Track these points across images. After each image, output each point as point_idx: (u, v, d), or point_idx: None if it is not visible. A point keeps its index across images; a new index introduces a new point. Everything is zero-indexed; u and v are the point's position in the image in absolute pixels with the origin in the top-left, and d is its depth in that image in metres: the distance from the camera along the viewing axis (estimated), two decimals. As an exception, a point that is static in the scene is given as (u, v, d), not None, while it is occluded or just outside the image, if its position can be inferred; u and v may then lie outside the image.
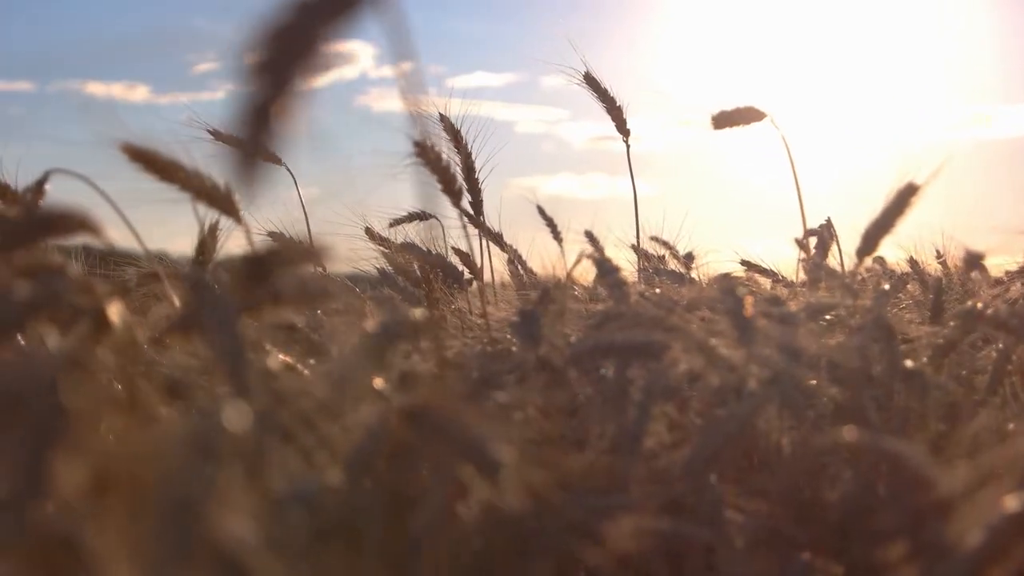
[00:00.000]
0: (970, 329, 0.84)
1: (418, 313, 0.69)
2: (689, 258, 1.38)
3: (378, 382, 0.66)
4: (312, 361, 0.72)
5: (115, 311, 0.56)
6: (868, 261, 1.28)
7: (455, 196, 0.97)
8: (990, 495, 0.54)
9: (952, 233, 1.31)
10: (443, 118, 1.10)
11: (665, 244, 1.42)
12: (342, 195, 1.16)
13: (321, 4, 0.40)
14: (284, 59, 0.39)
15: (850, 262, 0.86)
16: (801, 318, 0.78)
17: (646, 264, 1.25)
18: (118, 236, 0.76)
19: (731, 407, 0.70)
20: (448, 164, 0.96)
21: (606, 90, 1.13)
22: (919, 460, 0.61)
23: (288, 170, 1.22)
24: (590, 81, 1.13)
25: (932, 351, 0.86)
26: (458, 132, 1.10)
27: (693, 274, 1.24)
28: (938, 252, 1.29)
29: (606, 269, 0.82)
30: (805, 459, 0.73)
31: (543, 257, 1.66)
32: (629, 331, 0.73)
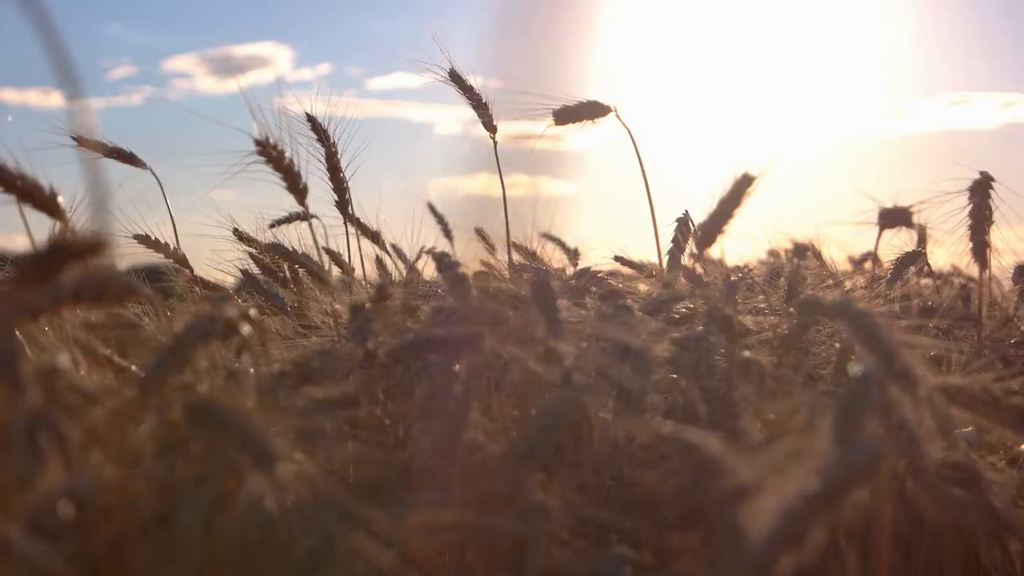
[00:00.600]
0: (811, 320, 0.84)
1: (240, 312, 0.69)
2: (575, 254, 1.39)
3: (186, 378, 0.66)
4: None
5: None
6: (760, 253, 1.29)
7: (299, 194, 0.97)
8: (785, 481, 0.54)
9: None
10: (309, 117, 1.10)
11: (556, 240, 1.43)
12: (208, 196, 1.16)
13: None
14: None
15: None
16: (633, 311, 0.78)
17: (521, 260, 1.25)
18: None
19: (552, 399, 0.71)
20: (291, 163, 0.96)
21: (471, 87, 1.13)
22: (711, 448, 0.61)
23: (153, 173, 1.22)
24: (455, 78, 1.13)
25: (779, 342, 0.86)
26: (324, 130, 1.09)
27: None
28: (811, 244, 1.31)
29: (444, 264, 0.82)
30: (628, 450, 0.73)
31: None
32: (450, 325, 0.74)
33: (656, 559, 0.68)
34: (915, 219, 0.83)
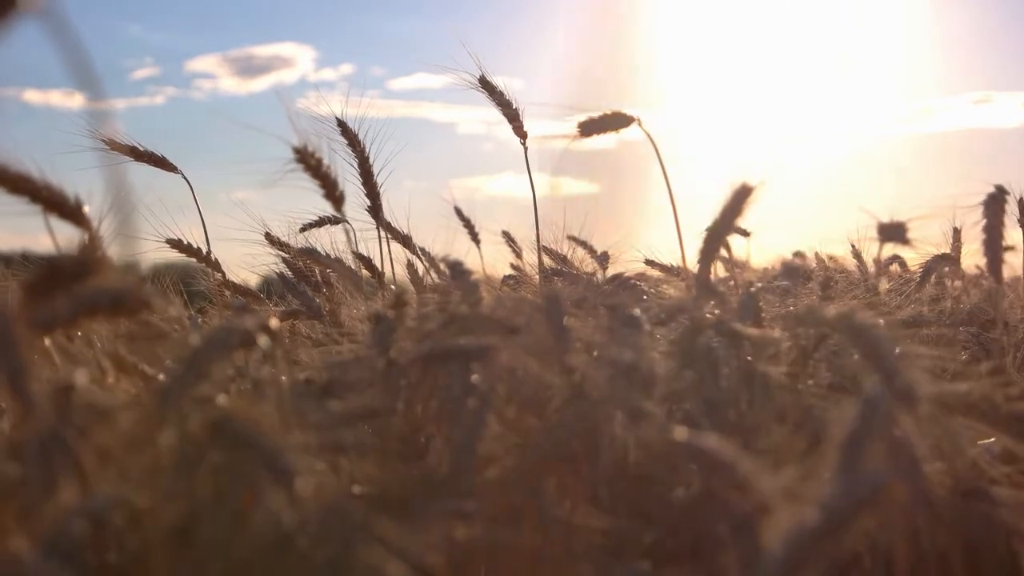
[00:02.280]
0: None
1: (262, 322, 0.69)
2: (604, 257, 1.39)
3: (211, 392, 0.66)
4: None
5: None
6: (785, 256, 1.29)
7: (336, 201, 0.98)
8: (804, 497, 0.54)
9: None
10: (340, 122, 1.11)
11: (583, 244, 1.43)
12: (241, 201, 1.17)
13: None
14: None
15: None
16: (643, 321, 0.77)
17: (552, 264, 1.25)
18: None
19: (567, 411, 0.71)
20: (329, 170, 0.96)
21: (501, 92, 1.13)
22: (738, 462, 0.61)
23: (185, 178, 1.23)
24: (485, 84, 1.13)
25: (796, 353, 0.86)
26: (355, 135, 1.10)
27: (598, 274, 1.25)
28: (853, 247, 1.30)
29: (458, 271, 0.82)
30: (647, 463, 0.73)
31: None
32: (463, 335, 0.74)
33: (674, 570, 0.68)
34: (910, 235, 0.82)
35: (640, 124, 0.93)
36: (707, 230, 0.82)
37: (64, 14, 0.46)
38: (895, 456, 0.61)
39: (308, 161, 0.95)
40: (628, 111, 0.93)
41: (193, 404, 0.64)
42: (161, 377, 0.75)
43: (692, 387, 0.75)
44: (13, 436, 0.56)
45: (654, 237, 1.38)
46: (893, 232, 0.81)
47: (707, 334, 0.78)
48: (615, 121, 0.92)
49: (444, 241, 1.42)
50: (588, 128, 0.92)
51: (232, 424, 0.58)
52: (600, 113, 0.92)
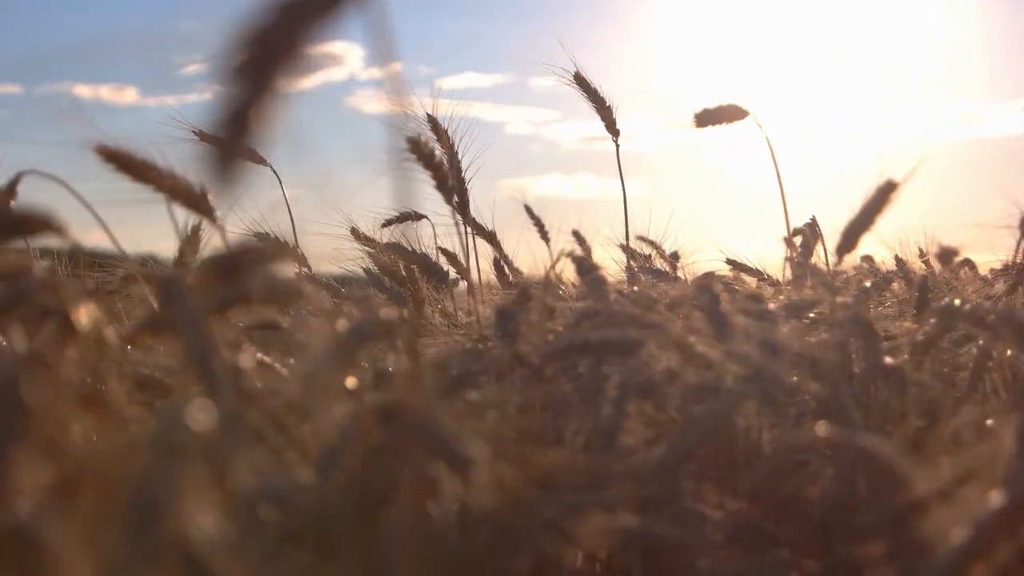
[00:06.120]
0: (949, 326, 0.84)
1: (391, 313, 0.69)
2: (675, 257, 1.38)
3: (350, 381, 0.66)
4: (290, 360, 0.72)
5: (84, 311, 0.56)
6: (854, 259, 1.28)
7: (448, 193, 0.98)
8: (970, 492, 0.54)
9: (936, 232, 1.31)
10: (430, 118, 1.11)
11: (652, 243, 1.42)
12: (328, 195, 1.16)
13: (302, 4, 0.40)
14: (266, 60, 0.39)
15: (832, 260, 0.86)
16: (780, 315, 0.77)
17: (633, 263, 1.25)
18: (100, 238, 0.76)
19: (708, 404, 0.70)
20: (441, 162, 0.96)
21: (596, 90, 1.13)
22: (892, 457, 0.61)
23: (273, 170, 1.22)
24: (580, 81, 1.13)
25: (912, 348, 0.86)
26: (444, 132, 1.10)
27: (679, 273, 1.24)
28: (921, 251, 1.29)
29: (584, 268, 0.82)
30: (784, 456, 0.73)
31: (531, 257, 1.66)
32: (604, 329, 0.73)
33: (827, 569, 0.68)
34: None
35: (755, 118, 0.93)
36: (846, 226, 0.82)
37: (386, 10, 0.45)
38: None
39: (421, 152, 0.95)
40: (743, 105, 0.92)
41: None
42: (284, 371, 0.75)
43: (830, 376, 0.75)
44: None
45: (710, 237, 1.38)
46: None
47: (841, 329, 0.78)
48: (730, 113, 0.92)
49: (513, 239, 1.41)
50: (704, 119, 0.91)
51: (402, 411, 0.57)
52: (716, 104, 0.92)
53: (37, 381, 0.43)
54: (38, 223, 0.54)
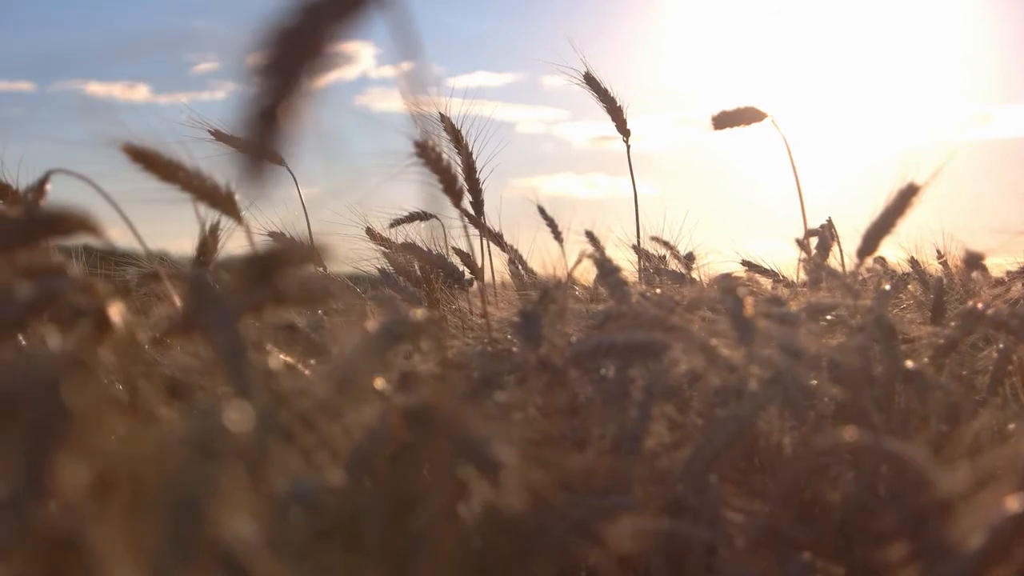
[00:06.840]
0: (970, 329, 0.84)
1: (419, 313, 0.69)
2: (689, 258, 1.38)
3: (379, 382, 0.66)
4: (313, 361, 0.72)
5: (116, 311, 0.56)
6: (869, 261, 1.28)
7: (456, 196, 0.97)
8: (990, 496, 0.54)
9: (952, 234, 1.31)
10: (443, 118, 1.10)
11: (666, 244, 1.42)
12: (343, 195, 1.16)
13: (328, 4, 0.40)
14: (291, 60, 0.39)
15: (851, 262, 0.86)
16: (801, 318, 0.78)
17: (647, 264, 1.25)
18: (119, 236, 0.76)
19: (732, 407, 0.70)
20: (449, 164, 0.96)
21: (606, 90, 1.13)
22: (919, 460, 0.61)
23: (289, 170, 1.22)
24: (590, 81, 1.13)
25: (933, 351, 0.86)
26: (458, 132, 1.10)
27: (694, 274, 1.24)
28: (939, 252, 1.29)
29: (607, 269, 0.82)
30: (806, 459, 0.73)
31: (544, 257, 1.65)
32: (630, 331, 0.73)
33: (849, 572, 0.68)
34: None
35: (773, 121, 0.93)
36: (867, 230, 0.82)
37: (409, 10, 0.45)
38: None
39: (428, 155, 0.94)
40: (760, 107, 0.92)
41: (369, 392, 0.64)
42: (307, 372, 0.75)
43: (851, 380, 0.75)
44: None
45: (722, 238, 1.38)
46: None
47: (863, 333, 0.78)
48: (749, 115, 0.92)
49: (527, 239, 1.41)
50: (722, 121, 0.91)
51: (432, 413, 0.57)
52: (735, 107, 0.91)
53: (77, 383, 0.43)
54: (74, 223, 0.54)
